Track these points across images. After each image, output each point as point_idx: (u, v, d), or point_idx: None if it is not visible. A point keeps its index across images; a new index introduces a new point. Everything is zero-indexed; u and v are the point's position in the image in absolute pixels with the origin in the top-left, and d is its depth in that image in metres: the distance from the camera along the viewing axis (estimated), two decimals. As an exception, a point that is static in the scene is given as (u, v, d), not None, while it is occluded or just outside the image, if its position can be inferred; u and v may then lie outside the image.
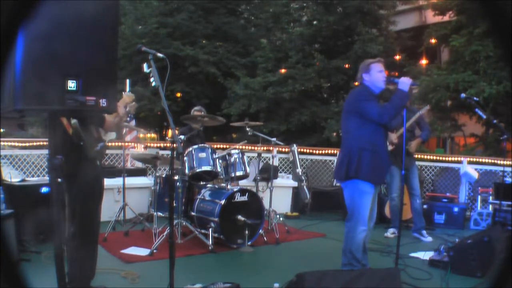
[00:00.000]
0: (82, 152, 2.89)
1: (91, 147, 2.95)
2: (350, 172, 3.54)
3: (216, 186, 5.19)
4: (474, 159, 7.77)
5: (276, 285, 3.34)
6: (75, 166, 2.82)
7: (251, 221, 4.81)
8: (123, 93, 3.59)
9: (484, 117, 5.33)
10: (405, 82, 3.55)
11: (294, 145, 7.43)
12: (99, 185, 3.16)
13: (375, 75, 3.64)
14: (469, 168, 7.10)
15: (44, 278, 2.64)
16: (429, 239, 5.43)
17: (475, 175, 6.99)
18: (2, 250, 1.68)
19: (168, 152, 6.16)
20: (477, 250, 3.98)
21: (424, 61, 14.24)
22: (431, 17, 13.29)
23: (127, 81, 4.27)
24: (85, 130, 2.89)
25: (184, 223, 4.80)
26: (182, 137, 4.96)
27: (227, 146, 7.37)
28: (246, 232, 4.69)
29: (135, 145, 7.72)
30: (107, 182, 5.48)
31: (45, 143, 6.65)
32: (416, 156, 8.04)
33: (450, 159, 7.88)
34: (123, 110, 3.48)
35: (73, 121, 2.74)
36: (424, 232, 5.50)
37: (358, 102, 3.59)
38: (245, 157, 5.20)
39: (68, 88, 1.87)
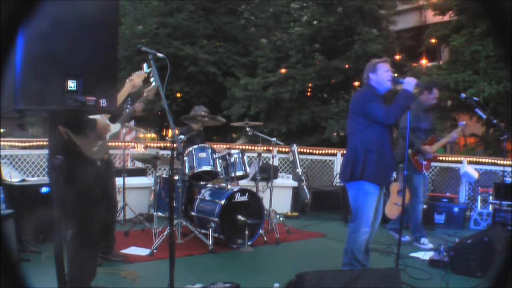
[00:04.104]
0: (79, 155, 2.89)
1: (88, 149, 2.95)
2: (356, 173, 3.54)
3: (216, 186, 5.19)
4: (474, 159, 7.77)
5: (276, 285, 3.34)
6: (74, 167, 2.82)
7: (251, 221, 4.81)
8: (134, 74, 3.60)
9: (484, 117, 5.32)
10: (410, 82, 3.55)
11: (294, 145, 7.45)
12: (99, 186, 3.16)
13: (382, 74, 3.63)
14: (469, 168, 7.09)
15: (44, 278, 2.64)
16: (407, 238, 5.30)
17: (475, 175, 6.99)
18: (2, 250, 1.68)
19: (168, 152, 6.15)
20: (477, 250, 3.98)
21: (424, 61, 14.25)
22: (431, 17, 13.30)
23: (127, 81, 4.28)
24: (79, 133, 2.89)
25: (184, 223, 4.80)
26: (182, 137, 4.96)
27: (227, 146, 7.37)
28: (246, 232, 4.69)
29: (135, 145, 7.72)
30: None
31: (45, 143, 6.65)
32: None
33: (450, 159, 7.87)
34: (139, 84, 3.51)
35: (64, 129, 2.75)
36: (423, 239, 5.24)
37: (364, 103, 3.58)
38: (245, 157, 5.20)
39: (68, 88, 1.87)
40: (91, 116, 2.97)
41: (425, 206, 5.48)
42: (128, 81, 3.57)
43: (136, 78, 3.57)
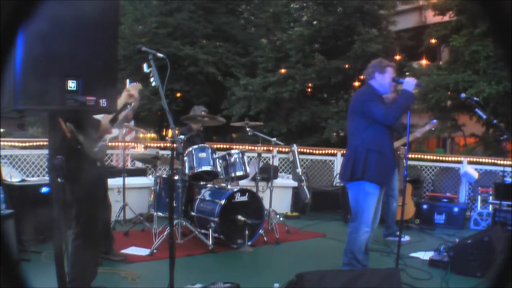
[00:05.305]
0: (82, 154, 2.89)
1: (90, 149, 2.95)
2: (356, 173, 3.53)
3: (216, 186, 5.19)
4: (474, 159, 7.77)
5: (276, 285, 3.34)
6: (76, 168, 2.83)
7: (251, 221, 4.81)
8: (130, 85, 3.58)
9: (484, 117, 5.31)
10: (410, 83, 3.54)
11: (294, 145, 7.44)
12: (101, 186, 3.16)
13: (388, 79, 3.64)
14: (469, 168, 7.09)
15: (44, 278, 2.64)
16: (407, 238, 5.37)
17: (475, 175, 6.99)
18: (2, 250, 1.68)
19: (168, 152, 6.15)
20: (477, 250, 3.98)
21: (424, 61, 14.24)
22: (431, 17, 13.29)
23: (127, 81, 4.28)
24: (83, 132, 2.89)
25: (184, 223, 4.80)
26: (182, 137, 4.96)
27: (227, 146, 7.37)
28: (246, 232, 4.69)
29: (135, 145, 7.72)
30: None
31: (45, 143, 6.65)
32: (416, 156, 8.09)
33: (450, 159, 7.88)
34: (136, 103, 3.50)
35: (69, 125, 2.75)
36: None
37: (363, 103, 3.58)
38: (245, 157, 5.20)
39: (68, 88, 1.87)
40: (96, 116, 2.98)
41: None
42: (124, 91, 3.55)
43: (132, 89, 3.56)
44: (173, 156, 2.92)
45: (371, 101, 3.55)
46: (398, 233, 5.37)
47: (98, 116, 3.09)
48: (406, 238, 5.33)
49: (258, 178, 5.51)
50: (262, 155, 6.80)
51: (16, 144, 6.81)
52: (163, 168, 6.22)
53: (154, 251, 4.39)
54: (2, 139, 6.47)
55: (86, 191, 2.94)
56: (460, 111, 11.31)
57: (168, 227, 3.94)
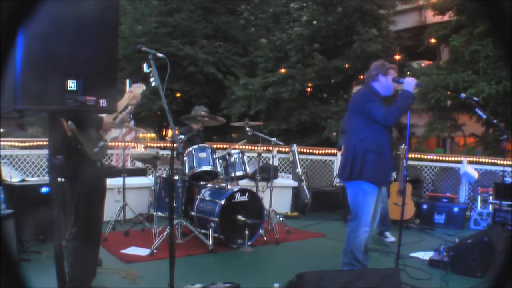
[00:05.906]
0: (82, 154, 2.89)
1: (90, 149, 2.95)
2: (354, 173, 3.54)
3: (216, 186, 5.19)
4: (474, 159, 7.77)
5: (276, 285, 3.34)
6: (75, 167, 2.82)
7: (251, 221, 4.81)
8: (134, 85, 3.56)
9: (484, 117, 5.31)
10: (409, 83, 3.54)
11: (294, 145, 7.45)
12: (100, 186, 3.17)
13: (390, 81, 3.65)
14: (469, 168, 7.09)
15: (44, 278, 2.64)
16: (391, 239, 5.36)
17: (475, 175, 6.99)
18: (2, 250, 1.68)
19: (168, 152, 6.15)
20: (477, 250, 3.98)
21: (424, 61, 14.25)
22: (431, 17, 13.30)
23: (127, 81, 4.27)
24: (83, 132, 2.89)
25: (184, 223, 4.80)
26: (182, 137, 4.96)
27: (227, 146, 7.36)
28: (246, 232, 4.69)
29: (135, 145, 7.72)
30: (107, 182, 5.49)
31: (45, 143, 6.65)
32: (416, 156, 8.10)
33: (450, 159, 7.88)
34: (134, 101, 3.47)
35: (69, 123, 2.74)
36: (387, 233, 5.42)
37: (363, 103, 3.58)
38: (245, 157, 5.20)
39: (68, 88, 1.86)
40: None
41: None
42: (128, 92, 3.54)
43: (136, 89, 3.55)
44: (173, 156, 2.92)
45: (371, 101, 3.56)
46: (386, 232, 5.43)
47: None
48: (391, 238, 5.33)
49: (258, 178, 5.51)
50: (262, 155, 6.79)
51: (16, 144, 6.80)
52: (163, 168, 6.22)
53: (154, 251, 4.39)
54: (2, 139, 6.47)
55: (85, 190, 2.94)
56: (460, 111, 11.32)
57: (168, 227, 3.94)
